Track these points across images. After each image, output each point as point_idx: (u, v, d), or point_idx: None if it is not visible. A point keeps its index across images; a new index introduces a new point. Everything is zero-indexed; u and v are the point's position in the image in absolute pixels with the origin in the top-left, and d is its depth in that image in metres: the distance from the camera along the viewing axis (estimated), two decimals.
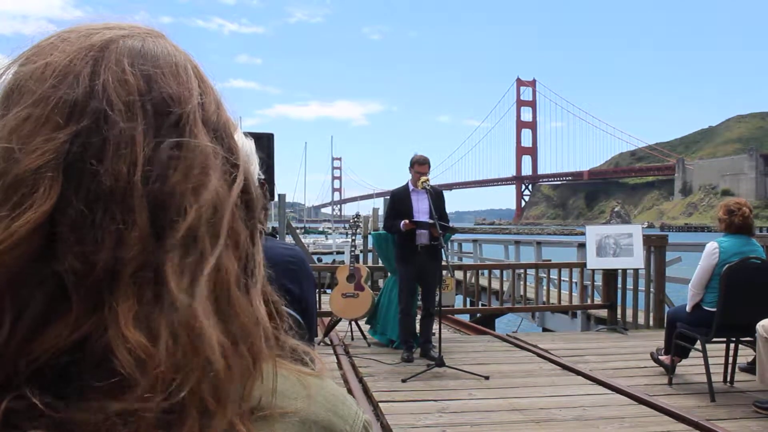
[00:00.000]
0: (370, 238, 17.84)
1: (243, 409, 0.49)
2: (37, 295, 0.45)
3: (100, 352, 0.45)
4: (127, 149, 0.48)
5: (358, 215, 9.50)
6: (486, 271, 13.34)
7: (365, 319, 7.79)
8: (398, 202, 6.74)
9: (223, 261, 0.50)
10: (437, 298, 6.51)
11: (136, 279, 0.46)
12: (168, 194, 0.48)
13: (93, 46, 0.52)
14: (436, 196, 6.50)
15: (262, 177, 1.76)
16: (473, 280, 10.71)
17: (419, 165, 6.64)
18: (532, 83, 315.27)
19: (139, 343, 0.45)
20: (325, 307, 8.11)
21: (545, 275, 11.20)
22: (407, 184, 6.76)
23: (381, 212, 19.71)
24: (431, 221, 6.20)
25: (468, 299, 11.26)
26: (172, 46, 0.56)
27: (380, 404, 5.04)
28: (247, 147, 1.54)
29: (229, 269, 0.50)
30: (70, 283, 0.45)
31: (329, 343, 7.51)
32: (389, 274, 7.98)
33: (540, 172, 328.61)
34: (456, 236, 18.09)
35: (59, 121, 0.48)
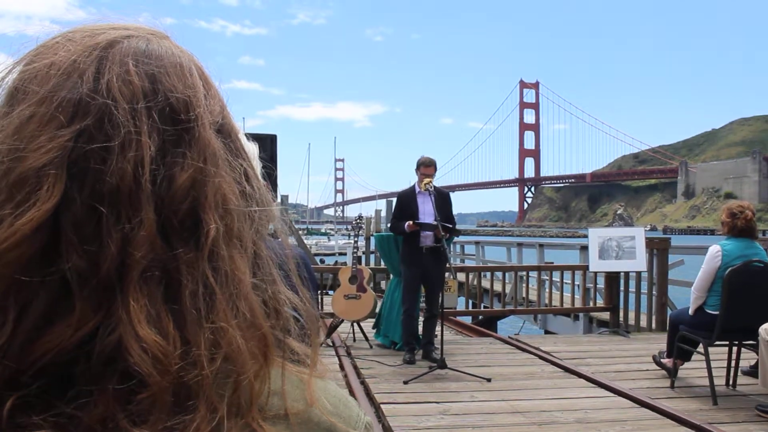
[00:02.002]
0: (372, 240, 17.85)
1: (255, 410, 0.50)
2: (41, 293, 0.45)
3: (109, 352, 0.45)
4: (132, 148, 0.48)
5: (360, 217, 9.49)
6: (488, 273, 13.34)
7: (368, 321, 7.80)
8: (404, 203, 6.76)
9: (237, 264, 0.50)
10: (440, 300, 6.51)
11: (146, 278, 0.46)
12: (176, 194, 0.48)
13: (97, 46, 0.52)
14: (442, 199, 6.53)
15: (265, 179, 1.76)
16: (476, 282, 10.74)
17: (424, 167, 6.67)
18: (535, 85, 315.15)
19: (154, 342, 0.45)
20: (328, 308, 8.11)
21: (547, 278, 11.22)
22: (414, 185, 6.79)
23: (384, 214, 19.77)
24: (434, 223, 6.21)
25: (470, 301, 11.25)
26: (176, 47, 0.56)
27: (382, 406, 5.04)
28: (250, 149, 1.54)
29: (243, 272, 0.51)
30: (73, 282, 0.45)
31: (331, 344, 7.50)
32: (392, 275, 7.98)
33: (543, 174, 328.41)
34: (458, 238, 18.08)
35: (63, 119, 0.48)
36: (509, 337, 8.49)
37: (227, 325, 0.48)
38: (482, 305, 11.58)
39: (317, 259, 26.97)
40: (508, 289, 11.18)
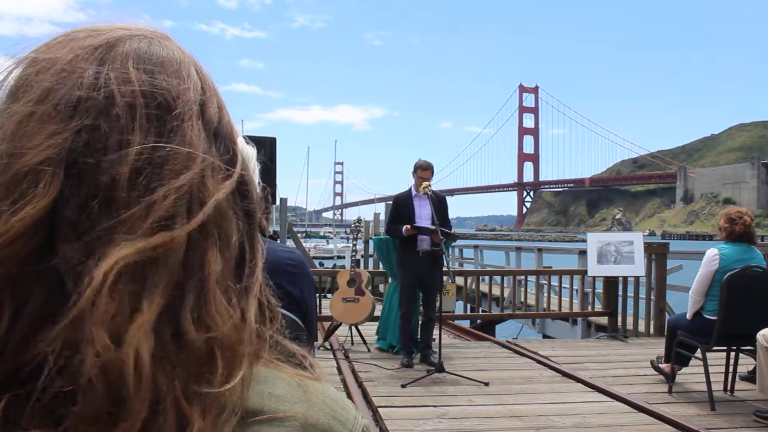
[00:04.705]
0: (371, 243, 17.85)
1: (221, 414, 0.49)
2: (37, 291, 0.45)
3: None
4: (127, 147, 0.48)
5: (359, 220, 9.48)
6: (487, 278, 13.34)
7: (366, 324, 7.80)
8: (401, 206, 6.75)
9: (206, 260, 0.50)
10: (437, 304, 6.51)
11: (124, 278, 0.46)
12: (167, 193, 0.48)
13: (99, 46, 0.52)
14: (439, 202, 6.51)
15: (261, 183, 1.77)
16: (474, 286, 10.71)
17: (422, 170, 6.65)
18: (535, 90, 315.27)
19: (105, 347, 0.44)
20: (326, 311, 8.11)
21: (546, 282, 11.19)
22: (410, 189, 6.77)
23: (382, 217, 19.75)
24: (432, 227, 6.21)
25: (468, 305, 11.25)
26: (177, 48, 0.56)
27: (379, 409, 5.03)
28: (247, 152, 1.54)
29: (212, 267, 0.50)
30: (68, 281, 0.45)
31: (329, 347, 7.50)
32: (390, 279, 7.98)
33: (542, 178, 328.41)
34: (457, 242, 18.09)
35: (62, 117, 0.48)
36: (507, 341, 8.48)
37: (193, 324, 0.48)
38: (480, 309, 11.56)
39: (316, 262, 26.94)
40: (506, 293, 11.18)
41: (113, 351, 0.44)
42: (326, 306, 8.43)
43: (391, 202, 7.32)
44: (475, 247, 18.57)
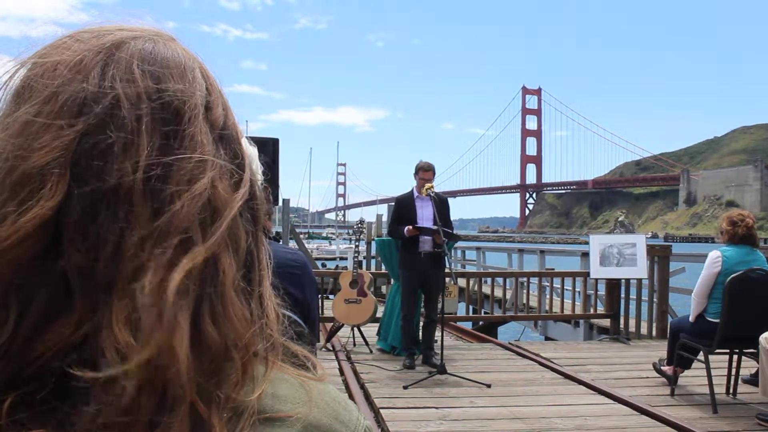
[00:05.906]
0: (373, 244, 17.84)
1: (237, 414, 0.49)
2: (42, 292, 0.46)
3: (93, 353, 0.45)
4: (133, 149, 0.48)
5: (362, 221, 9.47)
6: (489, 279, 13.31)
7: (368, 325, 7.80)
8: (403, 208, 6.75)
9: (221, 264, 0.50)
10: (439, 305, 6.51)
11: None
12: (172, 195, 0.48)
13: (104, 47, 0.52)
14: (441, 203, 6.51)
15: (264, 182, 1.77)
16: (476, 288, 10.72)
17: (424, 171, 6.66)
18: (538, 92, 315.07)
19: (127, 343, 0.44)
20: (328, 312, 8.11)
21: (548, 284, 11.19)
22: (412, 190, 6.78)
23: (385, 218, 19.75)
24: (435, 228, 6.21)
25: (471, 307, 11.25)
26: (182, 49, 0.56)
27: (381, 410, 5.03)
28: (250, 153, 1.53)
29: (227, 271, 0.50)
30: (74, 281, 0.46)
31: (331, 348, 7.50)
32: (393, 280, 7.98)
33: (544, 180, 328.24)
34: (459, 244, 18.09)
35: (68, 119, 0.48)
36: (509, 343, 8.47)
37: (206, 324, 0.48)
38: (483, 311, 11.57)
39: (318, 263, 26.95)
40: (508, 295, 11.17)
41: (133, 347, 0.44)
42: (328, 307, 8.42)
43: (393, 204, 7.33)
44: (478, 248, 18.54)
